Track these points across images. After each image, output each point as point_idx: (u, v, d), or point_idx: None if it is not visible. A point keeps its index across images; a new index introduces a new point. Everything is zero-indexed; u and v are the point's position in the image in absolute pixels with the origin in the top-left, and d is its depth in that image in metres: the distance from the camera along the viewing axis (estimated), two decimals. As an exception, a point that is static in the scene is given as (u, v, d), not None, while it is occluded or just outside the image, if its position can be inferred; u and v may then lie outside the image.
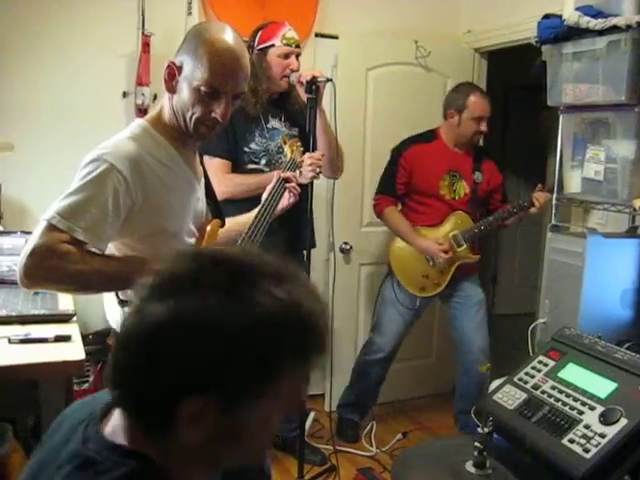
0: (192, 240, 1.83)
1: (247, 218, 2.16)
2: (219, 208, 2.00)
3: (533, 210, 3.32)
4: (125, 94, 3.47)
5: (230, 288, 0.80)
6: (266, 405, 0.83)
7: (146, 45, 3.35)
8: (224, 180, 2.84)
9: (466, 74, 4.18)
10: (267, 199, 2.20)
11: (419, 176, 3.40)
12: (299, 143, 2.57)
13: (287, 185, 2.27)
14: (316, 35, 3.86)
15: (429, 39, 3.95)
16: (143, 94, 3.40)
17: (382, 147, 3.58)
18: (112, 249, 1.72)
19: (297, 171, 2.44)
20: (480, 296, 3.52)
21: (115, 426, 0.88)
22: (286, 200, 2.30)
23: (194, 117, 1.66)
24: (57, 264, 1.52)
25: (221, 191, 2.84)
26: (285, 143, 2.59)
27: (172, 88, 1.68)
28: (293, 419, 3.20)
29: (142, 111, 3.38)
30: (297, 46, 2.95)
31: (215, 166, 2.84)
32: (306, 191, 2.65)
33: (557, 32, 2.74)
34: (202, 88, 1.62)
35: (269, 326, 0.79)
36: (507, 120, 6.05)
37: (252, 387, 0.81)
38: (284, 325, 0.81)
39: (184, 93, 1.65)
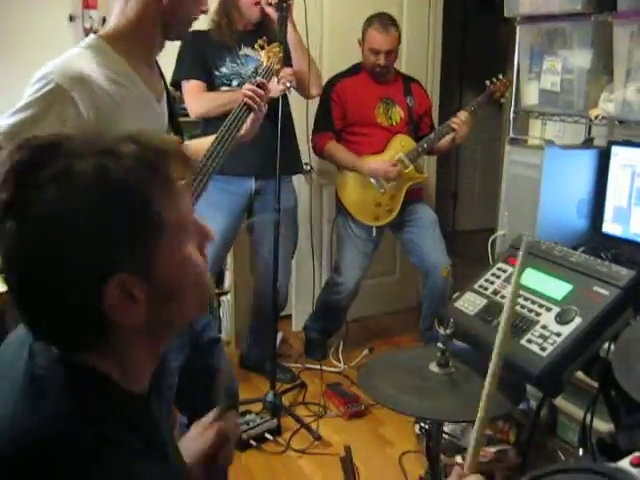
0: None
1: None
2: (179, 128, 1.98)
3: (454, 135, 3.35)
4: (72, 18, 3.34)
5: (60, 178, 0.77)
6: (168, 241, 0.83)
7: (92, -35, 3.22)
8: (198, 98, 2.96)
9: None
10: (227, 123, 2.10)
11: (354, 107, 3.41)
12: (278, 49, 2.45)
13: (248, 102, 2.12)
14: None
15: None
16: (91, 17, 3.29)
17: (339, 66, 3.54)
18: None
19: (273, 78, 2.37)
20: (433, 216, 3.59)
21: None
22: (249, 128, 2.16)
23: (191, 16, 1.73)
24: None
25: (197, 108, 2.95)
26: (262, 48, 2.44)
27: None
28: (262, 342, 3.28)
29: (92, 35, 3.28)
30: None
31: (190, 87, 2.98)
32: (275, 111, 2.70)
33: (513, -61, 2.70)
34: None
35: (118, 178, 0.78)
36: (465, 36, 6.01)
37: (144, 235, 0.81)
38: (136, 167, 0.80)
39: None
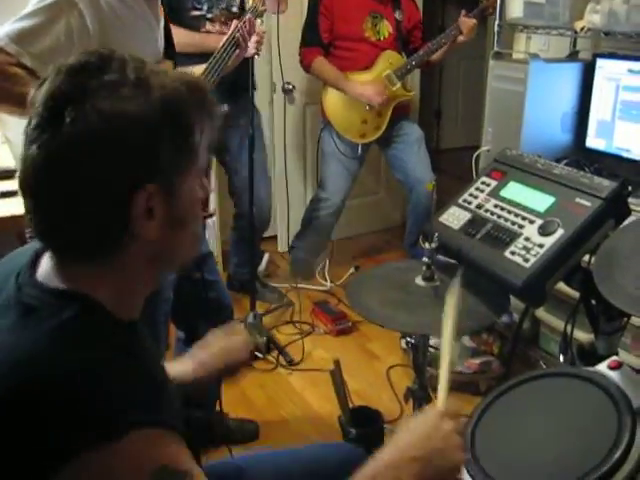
0: None
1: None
2: (173, 52, 1.97)
3: (461, 38, 3.29)
4: None
5: (124, 82, 0.82)
6: (192, 176, 0.90)
7: None
8: None
9: None
10: (216, 57, 2.22)
11: (341, 21, 3.32)
12: None
13: (239, 39, 2.27)
14: None
15: None
16: None
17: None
18: None
19: (258, 20, 2.38)
20: (419, 132, 3.57)
21: (47, 269, 0.88)
22: (232, 63, 2.33)
23: None
24: (3, 85, 1.54)
25: None
26: None
27: None
28: (248, 262, 3.31)
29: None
30: None
31: None
32: None
33: None
34: None
35: (178, 100, 0.85)
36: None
37: (181, 159, 0.87)
38: (187, 95, 0.86)
39: None
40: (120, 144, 0.80)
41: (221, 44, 2.24)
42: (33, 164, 0.81)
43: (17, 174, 2.28)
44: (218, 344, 1.33)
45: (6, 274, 0.90)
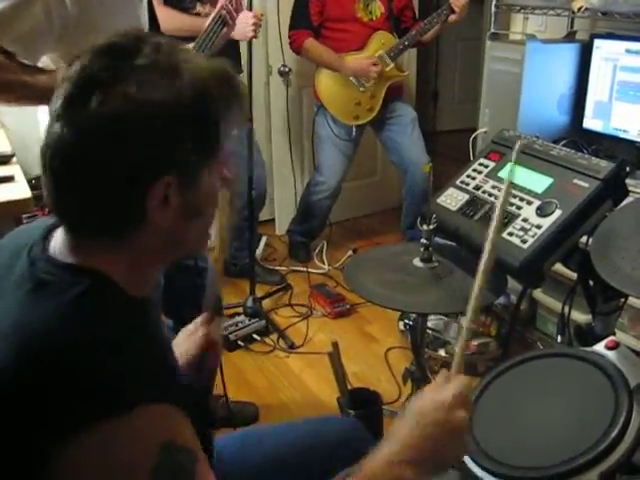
0: None
1: None
2: (158, 30, 1.95)
3: (453, 17, 3.27)
4: None
5: (155, 68, 0.82)
6: (212, 168, 0.89)
7: None
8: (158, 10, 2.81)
9: None
10: (203, 36, 2.18)
11: (333, 2, 3.30)
12: None
13: (225, 17, 2.20)
14: None
15: None
16: None
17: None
18: (49, 64, 1.67)
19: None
20: (413, 114, 3.56)
21: (59, 245, 0.88)
22: (219, 42, 2.26)
23: None
24: None
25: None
26: None
27: None
28: (244, 246, 3.30)
29: None
30: None
31: None
32: None
33: None
34: None
35: (206, 91, 0.84)
36: None
37: (203, 152, 0.86)
38: (215, 86, 0.86)
39: None
40: (143, 131, 0.80)
41: (207, 23, 2.20)
42: (55, 141, 0.81)
43: (14, 159, 2.26)
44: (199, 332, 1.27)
45: (18, 248, 0.91)
